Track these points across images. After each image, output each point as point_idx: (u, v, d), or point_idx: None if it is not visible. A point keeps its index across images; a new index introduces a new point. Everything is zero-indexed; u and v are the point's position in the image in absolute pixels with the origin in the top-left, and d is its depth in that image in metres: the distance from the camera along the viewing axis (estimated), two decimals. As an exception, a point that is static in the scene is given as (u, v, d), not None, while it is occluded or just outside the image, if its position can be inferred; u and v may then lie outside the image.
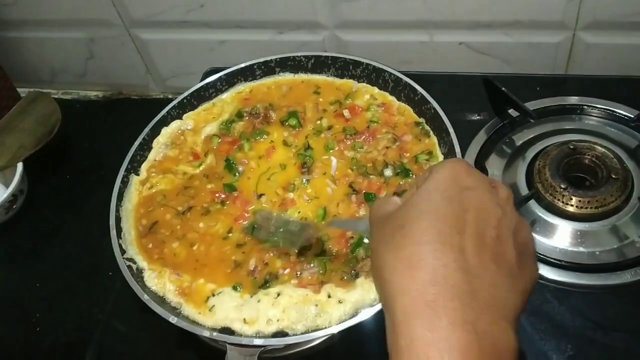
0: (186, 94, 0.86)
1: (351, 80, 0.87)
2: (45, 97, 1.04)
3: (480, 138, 0.85)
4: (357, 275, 0.65)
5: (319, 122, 0.82)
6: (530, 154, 0.82)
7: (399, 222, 0.42)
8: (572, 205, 0.74)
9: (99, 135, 1.06)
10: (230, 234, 0.72)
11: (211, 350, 0.69)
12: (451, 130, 0.74)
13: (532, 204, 0.76)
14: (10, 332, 0.82)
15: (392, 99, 0.83)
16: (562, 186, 0.74)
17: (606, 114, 0.86)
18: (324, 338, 0.65)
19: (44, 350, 0.79)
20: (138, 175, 0.80)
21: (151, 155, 0.82)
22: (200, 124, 0.85)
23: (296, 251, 0.67)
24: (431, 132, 0.78)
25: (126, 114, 1.13)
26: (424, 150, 0.76)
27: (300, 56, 0.88)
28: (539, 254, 0.71)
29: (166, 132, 0.84)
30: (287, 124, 0.82)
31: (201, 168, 0.80)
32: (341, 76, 0.87)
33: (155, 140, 0.83)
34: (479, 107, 0.89)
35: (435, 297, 0.37)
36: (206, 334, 0.63)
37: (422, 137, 0.78)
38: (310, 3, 0.93)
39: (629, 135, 0.82)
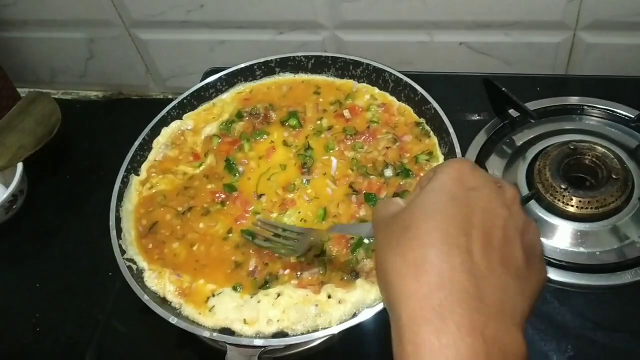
0: (186, 94, 0.86)
1: (351, 81, 0.87)
2: (45, 97, 1.04)
3: (481, 138, 0.85)
4: (357, 276, 0.65)
5: (319, 122, 0.82)
6: (531, 154, 0.82)
7: (404, 224, 0.41)
8: (572, 206, 0.74)
9: (99, 136, 1.06)
10: (230, 234, 0.72)
11: (211, 350, 0.69)
12: (451, 130, 0.74)
13: (533, 204, 0.76)
14: (10, 332, 0.82)
15: (392, 99, 0.83)
16: (563, 186, 0.74)
17: (606, 114, 0.85)
18: (324, 338, 0.65)
19: (44, 350, 0.79)
20: (138, 175, 0.80)
21: (151, 156, 0.82)
22: (200, 124, 0.85)
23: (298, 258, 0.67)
24: (431, 132, 0.78)
25: (126, 114, 1.13)
26: (424, 151, 0.76)
27: (301, 56, 0.88)
28: (539, 254, 0.71)
29: (166, 132, 0.84)
30: (287, 124, 0.82)
31: (201, 168, 0.80)
32: (341, 76, 0.87)
33: (155, 141, 0.83)
34: (479, 108, 0.89)
35: (442, 302, 0.36)
36: (206, 334, 0.63)
37: (422, 137, 0.78)
38: (310, 3, 0.93)
39: (629, 135, 0.82)
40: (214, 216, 0.74)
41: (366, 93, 0.85)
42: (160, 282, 0.68)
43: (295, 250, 0.64)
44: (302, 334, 0.62)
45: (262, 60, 0.88)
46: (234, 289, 0.67)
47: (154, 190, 0.78)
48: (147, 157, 0.82)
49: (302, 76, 0.89)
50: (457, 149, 0.72)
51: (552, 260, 0.71)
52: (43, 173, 0.99)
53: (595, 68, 0.93)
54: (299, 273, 0.67)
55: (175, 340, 0.74)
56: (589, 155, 0.77)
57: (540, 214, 0.75)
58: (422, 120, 0.80)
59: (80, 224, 0.93)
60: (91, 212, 0.92)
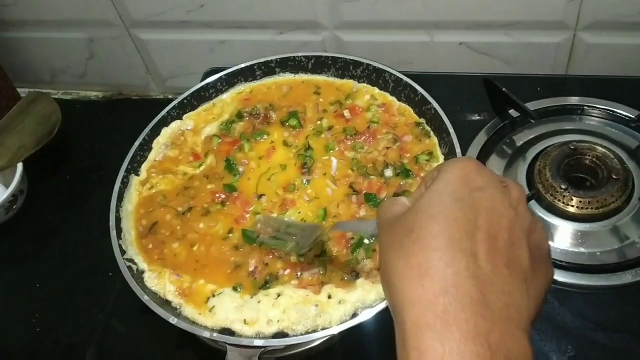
0: (186, 94, 0.86)
1: (351, 81, 0.87)
2: (45, 97, 1.04)
3: (481, 138, 0.85)
4: (357, 276, 0.65)
5: (319, 122, 0.82)
6: (531, 154, 0.82)
7: (408, 227, 0.40)
8: (572, 206, 0.74)
9: (99, 136, 1.06)
10: (231, 235, 0.72)
11: (211, 350, 0.69)
12: (451, 130, 0.74)
13: (533, 204, 0.76)
14: (10, 332, 0.82)
15: (392, 99, 0.83)
16: (563, 187, 0.74)
17: (607, 114, 0.85)
18: (324, 339, 0.65)
19: (44, 350, 0.79)
20: (138, 175, 0.80)
21: (151, 156, 0.82)
22: (200, 124, 0.85)
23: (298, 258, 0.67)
24: (431, 133, 0.78)
25: (126, 114, 1.13)
26: (424, 151, 0.76)
27: (301, 56, 0.88)
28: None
29: (166, 132, 0.84)
30: (287, 124, 0.82)
31: (201, 168, 0.80)
32: (341, 76, 0.87)
33: (155, 141, 0.83)
34: (479, 108, 0.89)
35: (446, 308, 0.35)
36: (206, 334, 0.63)
37: (422, 137, 0.78)
38: (310, 3, 0.93)
39: (629, 135, 0.82)
40: (214, 216, 0.74)
41: (366, 93, 0.85)
42: (160, 282, 0.68)
43: (302, 246, 0.64)
44: (302, 334, 0.62)
45: (262, 60, 0.88)
46: (234, 289, 0.67)
47: (154, 191, 0.78)
48: (147, 157, 0.82)
49: (302, 76, 0.89)
50: (458, 149, 0.72)
51: (552, 261, 0.71)
52: (43, 173, 0.99)
53: (596, 68, 0.93)
54: (299, 273, 0.67)
55: (175, 341, 0.74)
56: (589, 155, 0.77)
57: (540, 214, 0.75)
58: (422, 120, 0.80)
59: (80, 224, 0.93)
60: (91, 212, 0.92)
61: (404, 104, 0.82)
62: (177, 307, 0.67)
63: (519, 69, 0.96)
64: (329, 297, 0.64)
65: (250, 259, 0.69)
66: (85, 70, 1.16)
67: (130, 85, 1.17)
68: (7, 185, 0.94)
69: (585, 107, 0.87)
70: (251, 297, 0.65)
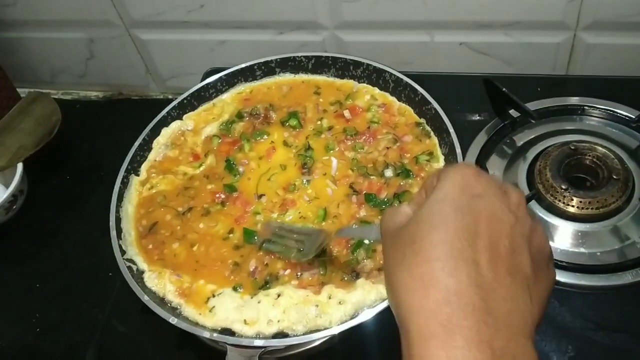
0: (186, 94, 0.86)
1: (352, 81, 0.87)
2: (45, 97, 1.04)
3: (481, 138, 0.85)
4: (357, 276, 0.65)
5: (319, 122, 0.82)
6: (531, 154, 0.82)
7: (410, 238, 0.40)
8: (573, 206, 0.73)
9: (99, 136, 1.06)
10: (231, 235, 0.72)
11: (211, 351, 0.69)
12: (452, 130, 0.74)
13: (533, 204, 0.76)
14: (11, 332, 0.82)
15: (392, 99, 0.83)
16: (563, 187, 0.74)
17: (607, 114, 0.85)
18: (324, 339, 0.65)
19: (44, 350, 0.79)
20: (138, 175, 0.80)
21: (151, 156, 0.82)
22: (200, 125, 0.85)
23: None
24: (432, 133, 0.78)
25: (126, 114, 1.13)
26: (424, 151, 0.76)
27: (301, 56, 0.88)
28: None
29: (166, 132, 0.84)
30: (287, 124, 0.82)
31: (201, 169, 0.80)
32: (342, 76, 0.87)
33: (155, 141, 0.83)
34: (479, 108, 0.89)
35: (449, 316, 0.36)
36: (206, 334, 0.63)
37: (422, 137, 0.78)
38: (310, 3, 0.93)
39: (629, 135, 0.82)
40: (214, 216, 0.74)
41: (366, 93, 0.85)
42: (160, 282, 0.68)
43: (306, 253, 0.63)
44: (303, 334, 0.62)
45: (262, 60, 0.88)
46: (234, 289, 0.67)
47: (154, 191, 0.78)
48: (147, 158, 0.82)
49: (303, 76, 0.89)
50: (458, 150, 0.72)
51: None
52: (43, 173, 0.99)
53: (596, 68, 0.93)
54: (299, 273, 0.67)
55: (176, 341, 0.74)
56: (589, 155, 0.77)
57: (540, 215, 0.75)
58: (422, 120, 0.80)
59: (80, 224, 0.93)
60: (91, 212, 0.92)
61: (404, 104, 0.82)
62: (177, 307, 0.67)
63: (519, 69, 0.96)
64: (329, 297, 0.64)
65: (250, 259, 0.69)
66: (85, 70, 1.16)
67: (130, 85, 1.17)
68: (7, 186, 0.94)
69: (586, 107, 0.87)
70: (251, 298, 0.65)
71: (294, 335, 0.62)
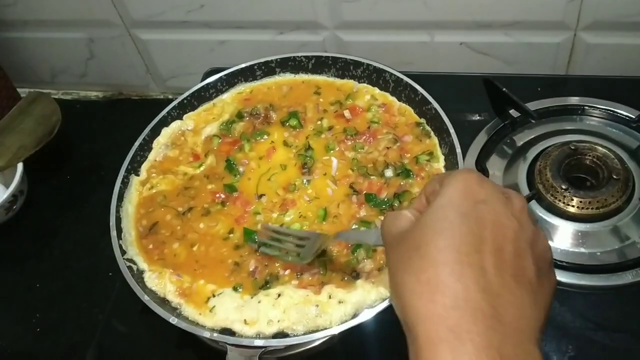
0: (186, 94, 0.86)
1: (352, 81, 0.87)
2: (45, 97, 1.04)
3: (481, 138, 0.85)
4: (357, 276, 0.65)
5: (319, 122, 0.82)
6: (531, 154, 0.82)
7: (415, 243, 0.40)
8: (573, 206, 0.73)
9: (99, 136, 1.06)
10: (231, 235, 0.72)
11: (211, 351, 0.69)
12: (452, 130, 0.74)
13: (533, 204, 0.76)
14: (11, 332, 0.82)
15: (392, 99, 0.83)
16: (563, 187, 0.74)
17: (607, 114, 0.85)
18: (324, 339, 0.65)
19: (44, 350, 0.79)
20: (138, 175, 0.80)
21: (151, 156, 0.82)
22: (200, 125, 0.85)
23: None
24: (432, 133, 0.78)
25: (126, 114, 1.13)
26: (424, 151, 0.76)
27: (301, 56, 0.88)
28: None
29: (166, 132, 0.84)
30: (287, 124, 0.82)
31: (201, 169, 0.80)
32: (342, 76, 0.87)
33: (155, 141, 0.83)
34: (479, 108, 0.89)
35: (458, 322, 0.36)
36: (206, 334, 0.63)
37: (422, 137, 0.78)
38: (310, 3, 0.93)
39: (630, 135, 0.82)
40: (215, 216, 0.74)
41: (367, 93, 0.85)
42: (160, 282, 0.68)
43: (303, 258, 0.63)
44: (303, 334, 0.62)
45: (262, 60, 0.88)
46: (235, 289, 0.67)
47: (154, 191, 0.78)
48: (147, 158, 0.82)
49: (303, 76, 0.89)
50: (458, 150, 0.72)
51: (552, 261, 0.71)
52: (43, 173, 0.99)
53: (596, 68, 0.93)
54: (299, 273, 0.67)
55: (176, 341, 0.74)
56: (589, 155, 0.77)
57: (540, 215, 0.75)
58: (422, 120, 0.80)
59: (80, 224, 0.93)
60: (91, 213, 0.92)
61: (404, 104, 0.82)
62: (178, 307, 0.67)
63: (520, 69, 0.96)
64: (330, 297, 0.64)
65: (250, 259, 0.69)
66: (85, 70, 1.16)
67: (131, 86, 1.17)
68: (7, 186, 0.94)
69: (586, 107, 0.87)
70: (251, 297, 0.65)
71: (294, 335, 0.62)
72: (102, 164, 1.00)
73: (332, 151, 0.78)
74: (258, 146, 0.81)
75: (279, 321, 0.63)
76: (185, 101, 0.86)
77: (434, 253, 0.39)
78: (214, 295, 0.66)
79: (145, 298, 0.65)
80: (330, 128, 0.81)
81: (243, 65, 0.88)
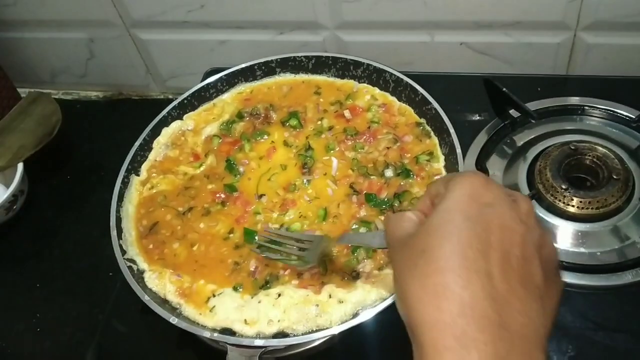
0: (187, 94, 0.86)
1: (352, 81, 0.87)
2: (45, 97, 1.04)
3: (481, 138, 0.85)
4: (357, 276, 0.65)
5: (319, 122, 0.82)
6: (531, 154, 0.82)
7: (420, 247, 0.40)
8: (573, 206, 0.73)
9: (100, 136, 1.06)
10: (231, 235, 0.72)
11: (212, 351, 0.69)
12: (452, 130, 0.74)
13: (533, 204, 0.76)
14: (11, 332, 0.82)
15: (392, 99, 0.83)
16: (563, 187, 0.74)
17: (607, 114, 0.85)
18: (324, 339, 0.65)
19: (44, 350, 0.79)
20: (138, 175, 0.80)
21: (152, 156, 0.82)
22: (200, 125, 0.85)
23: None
24: (432, 133, 0.78)
25: (126, 114, 1.13)
26: (424, 151, 0.76)
27: (301, 56, 0.88)
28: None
29: (167, 132, 0.84)
30: (287, 124, 0.82)
31: (202, 168, 0.80)
32: (342, 76, 0.87)
33: (155, 141, 0.83)
34: (479, 108, 0.89)
35: (464, 330, 0.35)
36: (207, 334, 0.63)
37: (422, 137, 0.78)
38: (310, 3, 0.93)
39: (630, 135, 0.82)
40: (215, 216, 0.74)
41: (367, 93, 0.85)
42: (160, 282, 0.68)
43: (307, 262, 0.63)
44: (303, 334, 0.62)
45: (262, 60, 0.88)
46: (235, 289, 0.67)
47: (154, 191, 0.78)
48: (147, 157, 0.82)
49: (303, 76, 0.89)
50: (458, 150, 0.72)
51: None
52: (43, 173, 0.99)
53: (596, 68, 0.93)
54: (299, 273, 0.67)
55: (176, 341, 0.74)
56: (589, 155, 0.77)
57: (541, 215, 0.75)
58: (422, 120, 0.80)
59: (80, 224, 0.93)
60: (91, 213, 0.92)
61: (404, 104, 0.82)
62: (178, 307, 0.67)
63: (520, 69, 0.96)
64: (330, 297, 0.64)
65: (250, 259, 0.69)
66: (85, 71, 1.16)
67: (131, 86, 1.17)
68: (7, 186, 0.94)
69: (586, 107, 0.87)
70: (252, 297, 0.65)
71: (294, 335, 0.62)
72: (102, 164, 1.00)
73: (332, 151, 0.78)
74: (258, 146, 0.81)
75: (279, 321, 0.63)
76: (185, 101, 0.86)
77: (440, 258, 0.38)
78: (214, 295, 0.66)
79: (146, 298, 0.65)
80: (330, 128, 0.81)
81: (243, 65, 0.88)
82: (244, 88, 0.89)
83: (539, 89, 0.91)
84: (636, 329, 0.66)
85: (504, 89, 0.83)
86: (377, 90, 0.85)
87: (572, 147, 0.77)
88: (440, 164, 0.75)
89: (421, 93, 0.79)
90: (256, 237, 0.70)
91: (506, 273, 0.37)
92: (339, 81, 0.87)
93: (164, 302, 0.67)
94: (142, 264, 0.70)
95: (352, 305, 0.63)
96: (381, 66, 0.84)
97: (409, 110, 0.81)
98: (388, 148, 0.77)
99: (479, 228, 0.39)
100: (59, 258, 0.89)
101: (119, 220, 0.74)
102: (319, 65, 0.88)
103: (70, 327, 0.80)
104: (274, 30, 1.00)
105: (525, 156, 0.82)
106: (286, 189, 0.75)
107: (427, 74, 0.95)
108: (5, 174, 0.96)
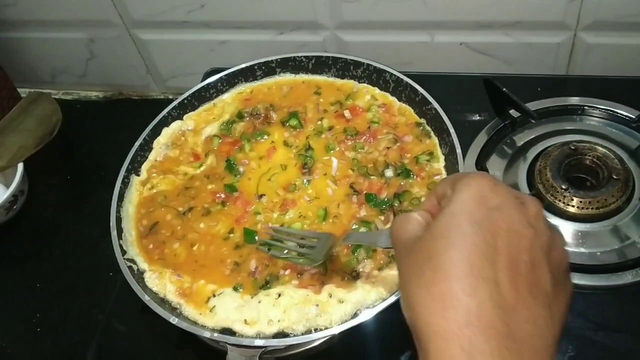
0: (187, 94, 0.86)
1: (352, 81, 0.87)
2: (45, 97, 1.04)
3: (481, 139, 0.85)
4: (357, 276, 0.65)
5: (319, 122, 0.82)
6: (531, 154, 0.82)
7: (427, 253, 0.39)
8: (573, 206, 0.74)
9: (100, 136, 1.06)
10: (231, 235, 0.72)
11: (212, 351, 0.69)
12: (452, 130, 0.74)
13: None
14: (11, 332, 0.82)
15: (393, 99, 0.83)
16: (563, 187, 0.74)
17: (607, 114, 0.85)
18: (324, 339, 0.65)
19: (44, 350, 0.79)
20: (139, 175, 0.80)
21: (152, 156, 0.82)
22: (200, 125, 0.85)
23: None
24: (432, 133, 0.78)
25: (127, 114, 1.13)
26: (424, 151, 0.76)
27: (301, 56, 0.88)
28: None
29: (167, 132, 0.84)
30: (287, 124, 0.82)
31: (202, 169, 0.80)
32: (342, 77, 0.87)
33: (155, 141, 0.83)
34: (479, 108, 0.89)
35: (471, 340, 0.35)
36: (207, 334, 0.63)
37: (423, 137, 0.78)
38: (310, 3, 0.93)
39: (630, 135, 0.82)
40: (215, 216, 0.74)
41: (367, 93, 0.85)
42: (160, 282, 0.68)
43: (314, 260, 0.63)
44: (303, 334, 0.62)
45: (262, 60, 0.88)
46: (235, 289, 0.67)
47: (154, 191, 0.78)
48: (147, 158, 0.82)
49: (303, 76, 0.89)
50: (458, 150, 0.72)
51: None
52: (43, 173, 0.99)
53: (596, 68, 0.93)
54: (299, 273, 0.67)
55: (176, 341, 0.74)
56: (589, 155, 0.77)
57: (541, 215, 0.75)
58: (422, 120, 0.80)
59: (80, 224, 0.93)
60: (91, 213, 0.92)
61: (404, 104, 0.82)
62: (178, 307, 0.67)
63: (520, 69, 0.96)
64: (330, 297, 0.64)
65: (250, 259, 0.69)
66: (85, 71, 1.16)
67: (131, 86, 1.17)
68: (7, 186, 0.94)
69: (586, 108, 0.87)
70: (252, 297, 0.65)
71: (295, 335, 0.62)
72: (102, 164, 1.00)
73: (332, 151, 0.78)
74: (258, 146, 0.81)
75: (279, 321, 0.63)
76: (185, 101, 0.86)
77: (446, 265, 0.37)
78: (214, 295, 0.66)
79: (146, 298, 0.65)
80: (330, 128, 0.81)
81: (243, 66, 0.88)
82: (244, 88, 0.89)
83: (539, 89, 0.91)
84: (636, 329, 0.66)
85: (504, 89, 0.83)
86: (377, 91, 0.85)
87: (572, 147, 0.77)
88: (440, 164, 0.75)
89: (421, 93, 0.79)
90: (256, 237, 0.70)
91: (514, 280, 0.37)
92: (339, 81, 0.87)
93: (164, 302, 0.67)
94: (142, 264, 0.70)
95: (352, 305, 0.63)
96: (381, 66, 0.84)
97: (409, 110, 0.81)
98: (388, 148, 0.77)
99: (486, 233, 0.38)
100: (59, 258, 0.89)
101: (119, 220, 0.74)
102: (319, 65, 0.88)
103: (70, 327, 0.80)
104: (274, 30, 1.00)
105: (525, 156, 0.82)
106: (286, 189, 0.75)
107: (427, 74, 0.95)
108: (5, 174, 0.96)
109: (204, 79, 0.91)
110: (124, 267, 0.68)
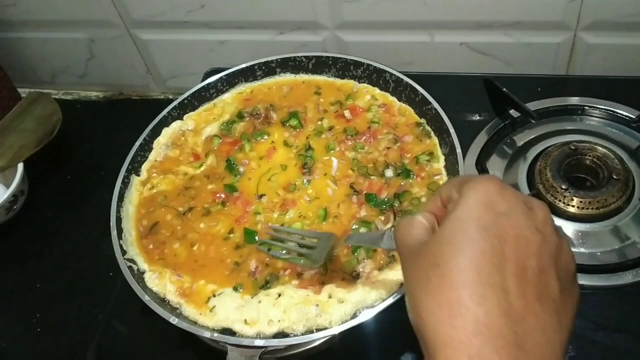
0: (187, 94, 0.86)
1: (352, 81, 0.87)
2: (45, 97, 1.04)
3: (481, 139, 0.85)
4: (357, 276, 0.65)
5: (319, 122, 0.82)
6: (531, 154, 0.82)
7: (434, 260, 0.38)
8: (573, 206, 0.73)
9: (100, 136, 1.07)
10: (231, 235, 0.72)
11: (212, 351, 0.69)
12: (452, 130, 0.74)
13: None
14: (11, 332, 0.82)
15: (393, 99, 0.83)
16: (563, 187, 0.74)
17: (607, 114, 0.85)
18: (324, 339, 0.65)
19: (44, 350, 0.79)
20: (139, 175, 0.80)
21: (152, 156, 0.82)
22: (200, 125, 0.85)
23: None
24: (432, 133, 0.78)
25: (127, 114, 1.13)
26: (425, 151, 0.76)
27: (301, 56, 0.88)
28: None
29: (167, 132, 0.84)
30: (287, 124, 0.82)
31: (202, 169, 0.80)
32: (342, 77, 0.87)
33: (155, 141, 0.83)
34: (479, 108, 0.89)
35: (479, 350, 0.34)
36: (207, 334, 0.63)
37: (423, 137, 0.78)
38: (310, 3, 0.93)
39: (630, 135, 0.82)
40: (215, 216, 0.74)
41: (367, 93, 0.85)
42: (161, 282, 0.68)
43: (315, 260, 0.63)
44: (303, 334, 0.62)
45: (262, 60, 0.88)
46: (235, 289, 0.67)
47: (154, 191, 0.78)
48: (147, 158, 0.82)
49: (303, 76, 0.89)
50: (458, 150, 0.72)
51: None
52: (44, 173, 1.00)
53: (596, 68, 0.93)
54: (299, 273, 0.67)
55: (176, 341, 0.74)
56: (589, 155, 0.77)
57: (541, 215, 0.75)
58: (422, 120, 0.80)
59: (80, 224, 0.93)
60: (91, 213, 0.92)
61: (404, 104, 0.82)
62: (178, 307, 0.67)
63: (520, 69, 0.96)
64: (330, 297, 0.64)
65: (250, 259, 0.69)
66: (85, 71, 1.16)
67: (131, 86, 1.17)
68: (7, 186, 0.94)
69: (586, 108, 0.87)
70: (252, 297, 0.65)
71: (295, 335, 0.62)
72: (102, 164, 1.00)
73: (332, 151, 0.78)
74: (258, 146, 0.81)
75: (279, 321, 0.63)
76: (185, 101, 0.86)
77: (454, 272, 0.37)
78: (214, 295, 0.66)
79: (146, 298, 0.65)
80: (330, 128, 0.81)
81: (243, 66, 0.88)
82: (244, 88, 0.89)
83: (539, 89, 0.91)
84: (636, 329, 0.66)
85: (504, 89, 0.83)
86: (377, 91, 0.85)
87: (572, 147, 0.77)
88: (440, 164, 0.75)
89: (421, 93, 0.79)
90: (256, 237, 0.70)
91: (522, 287, 0.36)
92: (339, 81, 0.87)
93: (164, 302, 0.67)
94: (142, 264, 0.70)
95: (352, 305, 0.63)
96: (381, 66, 0.84)
97: (409, 110, 0.81)
98: (388, 148, 0.77)
99: (493, 239, 0.37)
100: (59, 258, 0.89)
101: (119, 220, 0.74)
102: (319, 65, 0.88)
103: (70, 327, 0.80)
104: (274, 30, 1.00)
105: (525, 156, 0.82)
106: (286, 189, 0.75)
107: (427, 74, 0.95)
108: (5, 174, 0.96)
109: (204, 79, 0.91)
110: (124, 267, 0.68)
